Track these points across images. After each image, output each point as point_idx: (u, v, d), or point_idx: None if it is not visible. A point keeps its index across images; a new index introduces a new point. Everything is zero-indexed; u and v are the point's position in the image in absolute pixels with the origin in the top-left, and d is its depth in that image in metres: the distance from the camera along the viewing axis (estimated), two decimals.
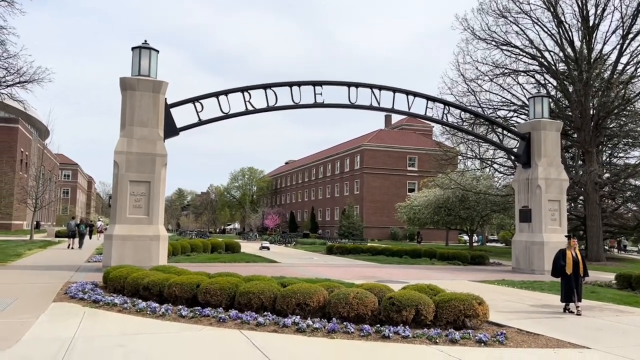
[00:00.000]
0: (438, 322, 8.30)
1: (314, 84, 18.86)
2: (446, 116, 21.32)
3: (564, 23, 29.21)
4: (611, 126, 30.00)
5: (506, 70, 30.85)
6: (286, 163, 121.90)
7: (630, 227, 34.20)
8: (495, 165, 35.80)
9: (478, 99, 31.14)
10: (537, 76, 31.16)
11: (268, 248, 33.94)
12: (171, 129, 16.53)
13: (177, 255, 22.33)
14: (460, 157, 37.89)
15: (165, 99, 16.60)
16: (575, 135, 30.39)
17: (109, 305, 9.49)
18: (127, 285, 10.56)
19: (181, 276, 10.23)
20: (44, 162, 43.25)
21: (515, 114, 31.82)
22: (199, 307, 9.05)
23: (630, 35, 28.21)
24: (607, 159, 32.93)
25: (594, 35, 28.86)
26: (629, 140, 30.26)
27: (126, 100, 15.96)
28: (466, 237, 62.03)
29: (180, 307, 9.14)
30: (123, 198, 15.35)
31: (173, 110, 16.79)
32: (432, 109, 20.79)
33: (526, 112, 30.28)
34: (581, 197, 31.68)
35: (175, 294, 9.57)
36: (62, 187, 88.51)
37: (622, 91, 28.13)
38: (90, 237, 43.60)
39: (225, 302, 9.16)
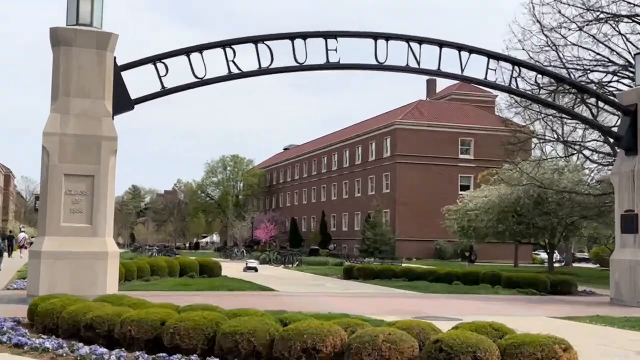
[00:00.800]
0: None
1: (326, 35, 18.89)
2: (515, 81, 21.27)
3: None
4: None
5: (602, 15, 30.61)
6: (285, 149, 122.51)
7: None
8: (586, 152, 35.64)
9: (561, 56, 31.02)
10: None
11: (255, 269, 34.91)
12: (123, 101, 16.68)
13: (133, 281, 22.63)
14: (535, 140, 37.80)
15: (115, 58, 16.74)
16: None
17: (37, 351, 9.57)
18: (63, 323, 10.66)
19: (139, 310, 10.30)
20: None
21: (616, 78, 31.63)
22: (164, 354, 9.13)
23: None
24: None
25: None
26: None
27: (59, 61, 16.09)
28: (544, 255, 61.95)
29: (137, 353, 9.21)
30: (55, 199, 15.48)
31: (127, 75, 16.92)
32: (494, 70, 20.75)
33: (631, 74, 30.04)
34: None
35: (131, 334, 9.63)
36: None
37: None
38: (10, 254, 44.05)
39: (202, 345, 9.22)
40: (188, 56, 17.71)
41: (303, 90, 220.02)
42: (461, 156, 71.96)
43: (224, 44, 18.13)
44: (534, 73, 23.72)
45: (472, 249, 44.61)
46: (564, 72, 30.37)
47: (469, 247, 45.90)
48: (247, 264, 36.84)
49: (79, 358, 9.13)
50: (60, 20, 17.40)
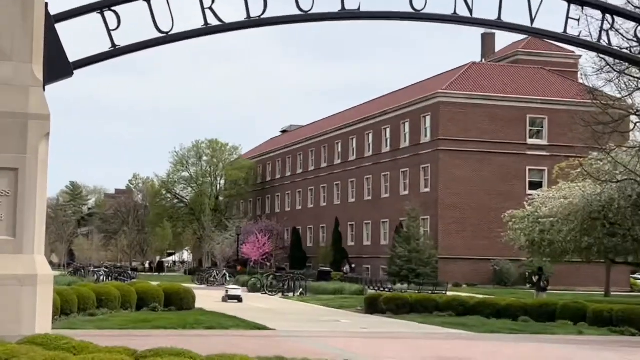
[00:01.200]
0: None
1: None
2: (607, 35, 21.13)
3: None
4: None
5: None
6: (283, 133, 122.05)
7: None
8: None
9: None
10: None
11: (239, 298, 35.70)
12: (59, 65, 16.51)
13: (73, 315, 22.55)
14: (635, 119, 37.60)
15: (47, 5, 16.62)
16: None
17: None
18: None
19: (82, 356, 10.22)
20: None
21: None
22: None
23: None
24: None
25: None
26: None
27: None
28: None
29: None
30: None
31: (63, 28, 16.90)
32: (578, 20, 20.63)
33: None
34: None
35: None
36: None
37: None
38: None
39: None
40: (149, 2, 17.69)
41: (308, 52, 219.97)
42: (530, 141, 71.67)
43: None
44: (633, 24, 23.57)
45: (541, 273, 43.63)
46: None
47: (537, 270, 45.40)
48: (227, 291, 36.84)
49: None
50: None
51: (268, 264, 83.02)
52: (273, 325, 23.24)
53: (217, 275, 59.32)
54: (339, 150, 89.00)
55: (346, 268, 75.41)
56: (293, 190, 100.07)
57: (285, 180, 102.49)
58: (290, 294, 43.33)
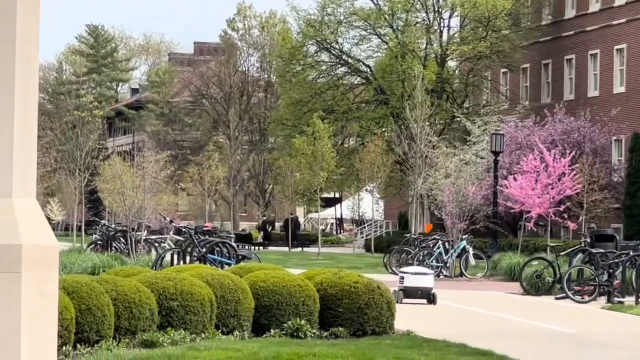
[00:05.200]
0: None
1: None
2: None
3: None
4: None
5: None
6: None
7: None
8: None
9: None
10: None
11: (431, 296, 21.31)
12: None
13: (104, 342, 11.31)
14: None
15: None
16: None
17: None
18: None
19: None
20: None
21: None
22: None
23: None
24: None
25: None
26: None
27: None
28: None
29: None
30: None
31: None
32: None
33: None
34: None
35: None
36: None
37: None
38: None
39: None
40: None
41: None
42: None
43: None
44: None
45: None
46: None
47: None
48: (401, 279, 22.28)
49: None
50: None
51: (569, 223, 37.89)
52: None
53: (448, 246, 33.68)
54: None
55: None
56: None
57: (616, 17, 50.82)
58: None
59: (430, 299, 21.63)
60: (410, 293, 20.69)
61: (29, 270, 7.47)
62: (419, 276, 22.56)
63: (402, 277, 22.39)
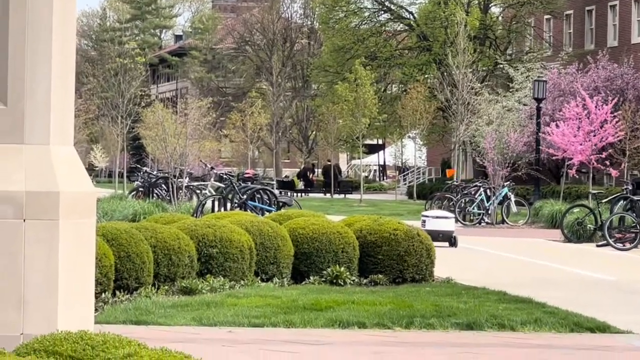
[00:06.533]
0: None
1: None
2: None
3: None
4: None
5: None
6: None
7: None
8: None
9: None
10: None
11: (452, 239, 21.78)
12: None
13: (143, 288, 10.52)
14: None
15: None
16: None
17: None
18: None
19: None
20: None
21: None
22: None
23: None
24: None
25: None
26: None
27: None
28: None
29: None
30: None
31: None
32: None
33: None
34: None
35: None
36: None
37: None
38: None
39: None
40: None
41: None
42: None
43: None
44: None
45: None
46: None
47: None
48: (423, 221, 22.60)
49: None
50: None
51: (611, 171, 34.89)
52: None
53: (490, 193, 33.88)
54: None
55: None
56: None
57: None
58: None
59: (452, 242, 22.13)
60: (432, 236, 20.93)
61: (66, 217, 7.45)
62: (440, 219, 23.01)
63: (424, 221, 22.69)
